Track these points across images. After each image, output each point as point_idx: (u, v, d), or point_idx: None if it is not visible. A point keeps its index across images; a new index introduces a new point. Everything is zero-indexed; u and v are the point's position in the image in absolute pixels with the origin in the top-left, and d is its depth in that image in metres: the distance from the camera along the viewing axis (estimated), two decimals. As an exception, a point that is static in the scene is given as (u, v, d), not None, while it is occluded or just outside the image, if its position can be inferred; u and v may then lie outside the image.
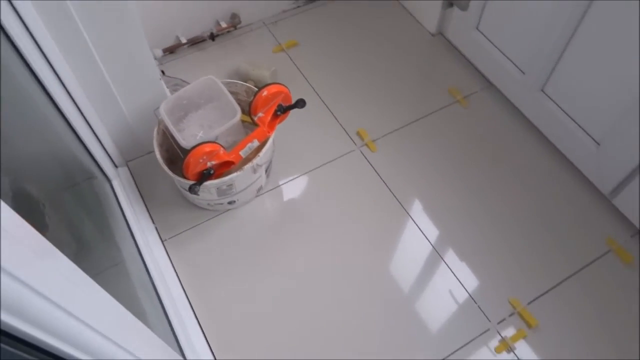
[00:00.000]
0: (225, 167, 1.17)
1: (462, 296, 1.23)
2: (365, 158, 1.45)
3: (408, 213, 1.35)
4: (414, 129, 1.51)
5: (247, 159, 1.19)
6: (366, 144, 1.47)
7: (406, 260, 1.28)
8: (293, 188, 1.40)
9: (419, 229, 1.33)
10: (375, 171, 1.42)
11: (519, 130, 1.50)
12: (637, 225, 1.28)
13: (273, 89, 1.16)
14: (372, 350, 1.16)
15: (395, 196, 1.38)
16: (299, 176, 1.42)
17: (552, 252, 1.29)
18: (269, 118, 1.18)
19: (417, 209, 1.36)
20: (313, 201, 1.38)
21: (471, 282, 1.25)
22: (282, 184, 1.40)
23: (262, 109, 1.17)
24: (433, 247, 1.30)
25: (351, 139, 1.49)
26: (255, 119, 1.18)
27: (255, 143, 1.17)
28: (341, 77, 1.62)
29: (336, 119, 1.53)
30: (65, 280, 0.47)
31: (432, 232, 1.32)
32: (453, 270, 1.27)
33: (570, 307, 1.21)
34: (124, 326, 0.60)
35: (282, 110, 1.19)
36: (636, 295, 1.23)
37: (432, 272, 1.27)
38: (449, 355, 1.15)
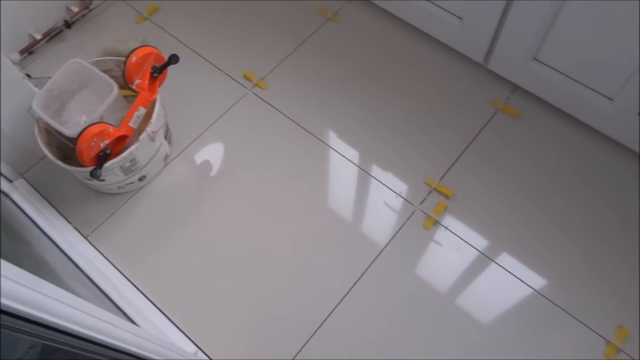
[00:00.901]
0: (120, 143, 1.15)
1: (393, 201, 1.31)
2: (261, 98, 1.47)
3: (318, 138, 1.40)
4: (298, 56, 1.54)
5: (141, 129, 1.18)
6: (256, 84, 1.49)
7: (339, 188, 1.34)
8: (199, 148, 1.40)
9: (338, 152, 1.38)
10: (275, 108, 1.45)
11: (391, 28, 1.56)
12: (514, 81, 1.40)
13: (141, 52, 1.14)
14: (318, 277, 1.23)
15: (300, 125, 1.42)
16: (202, 134, 1.42)
17: (448, 127, 1.39)
18: (147, 82, 1.16)
19: (325, 132, 1.41)
20: (225, 155, 1.39)
21: (395, 183, 1.33)
22: (187, 147, 1.40)
23: (136, 75, 1.15)
24: (358, 166, 1.36)
25: (240, 83, 1.50)
26: (134, 87, 1.16)
27: (142, 110, 1.16)
28: (211, 27, 1.60)
29: (219, 69, 1.52)
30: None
31: (352, 153, 1.38)
32: (382, 182, 1.34)
33: (476, 170, 1.33)
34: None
35: (158, 71, 1.17)
36: (529, 143, 1.36)
37: (378, 198, 1.32)
38: (385, 245, 1.24)
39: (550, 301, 1.16)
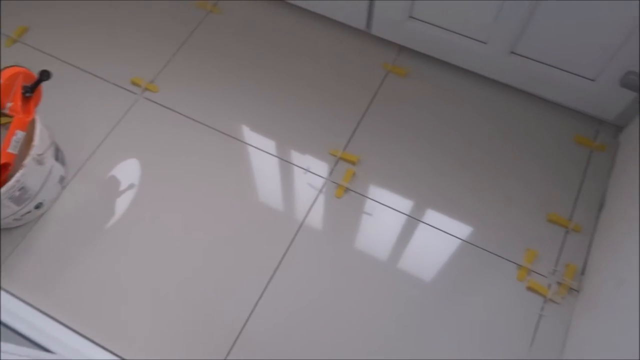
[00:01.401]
0: (4, 173, 1.09)
1: (303, 178, 1.32)
2: (154, 102, 1.43)
3: (220, 131, 1.38)
4: (185, 54, 1.51)
5: (25, 154, 1.12)
6: (146, 89, 1.45)
7: (250, 176, 1.33)
8: (98, 163, 1.35)
9: (242, 142, 1.37)
10: (170, 109, 1.42)
11: (274, 10, 1.57)
12: (397, 41, 1.45)
13: (7, 73, 1.08)
14: (242, 266, 1.22)
15: (198, 121, 1.40)
16: (97, 149, 1.36)
17: (345, 97, 1.42)
18: (19, 104, 1.10)
19: (226, 124, 1.39)
20: (126, 165, 1.35)
21: (302, 160, 1.34)
22: (84, 165, 1.34)
23: (7, 99, 1.09)
24: (277, 157, 1.36)
25: (129, 90, 1.45)
26: (6, 111, 1.09)
27: (20, 134, 1.10)
28: (87, 38, 1.53)
29: (104, 79, 1.47)
30: None
31: (256, 139, 1.38)
32: (290, 161, 1.34)
33: (377, 133, 1.37)
34: None
35: (30, 90, 1.11)
36: (422, 97, 1.42)
37: (289, 178, 1.33)
38: (303, 220, 1.25)
39: (467, 242, 1.23)
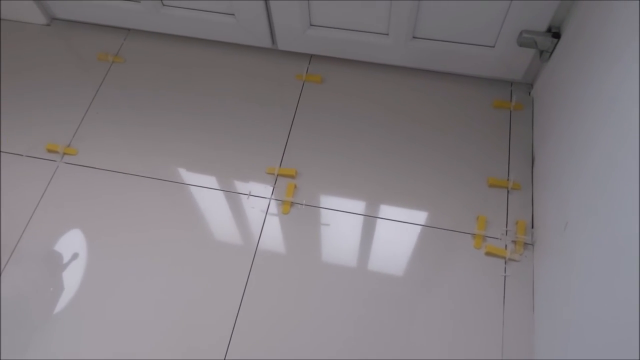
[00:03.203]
0: None
1: (247, 203, 1.30)
2: (76, 165, 1.37)
3: (152, 177, 1.34)
4: (97, 110, 1.46)
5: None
6: (65, 153, 1.39)
7: (190, 214, 1.29)
8: (31, 242, 1.27)
9: (176, 182, 1.34)
10: (95, 167, 1.36)
11: (179, 48, 1.56)
12: (305, 51, 1.47)
13: None
14: (204, 310, 1.18)
15: (127, 173, 1.35)
16: (26, 228, 1.28)
17: (267, 116, 1.43)
18: None
19: (157, 169, 1.35)
20: (66, 237, 1.28)
21: (242, 187, 1.32)
22: (16, 247, 1.26)
23: None
24: (216, 189, 1.33)
25: (47, 159, 1.38)
26: None
27: None
28: (-7, 117, 1.46)
29: (17, 154, 1.39)
30: None
31: (190, 177, 1.34)
32: (231, 190, 1.32)
33: (309, 144, 1.37)
34: None
35: None
36: (342, 98, 1.44)
37: (233, 207, 1.30)
38: (257, 246, 1.23)
39: (420, 225, 1.24)
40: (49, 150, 1.39)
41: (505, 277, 1.17)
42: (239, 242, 1.24)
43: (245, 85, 1.48)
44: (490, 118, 1.40)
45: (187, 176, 1.34)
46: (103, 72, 1.53)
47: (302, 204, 1.28)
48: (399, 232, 1.24)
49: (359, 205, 1.28)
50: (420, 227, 1.24)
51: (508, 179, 1.29)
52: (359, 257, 1.22)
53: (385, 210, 1.27)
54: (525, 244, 1.21)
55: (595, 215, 0.89)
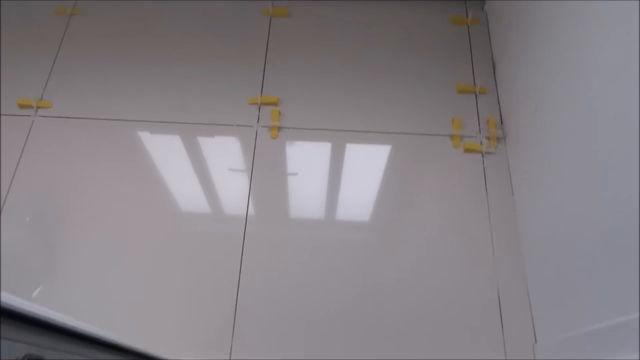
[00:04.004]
0: None
1: (236, 133, 1.33)
2: (52, 117, 1.35)
3: (141, 120, 1.34)
4: (63, 61, 1.43)
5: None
6: (39, 107, 1.35)
7: (198, 153, 1.31)
8: (17, 198, 1.25)
9: (176, 122, 1.34)
10: (74, 117, 1.34)
11: (139, -6, 1.54)
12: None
13: None
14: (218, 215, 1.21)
15: (110, 119, 1.34)
16: (11, 185, 1.26)
17: (240, 53, 1.45)
18: None
19: (140, 111, 1.35)
20: (54, 187, 1.26)
21: (228, 118, 1.35)
22: (3, 208, 1.24)
23: None
24: (207, 124, 1.34)
25: (21, 115, 1.35)
26: None
27: None
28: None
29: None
30: None
31: (184, 116, 1.35)
32: (217, 123, 1.34)
33: (284, 72, 1.42)
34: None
35: None
36: (310, 31, 1.49)
37: (223, 140, 1.32)
38: (251, 173, 1.27)
39: (402, 133, 1.33)
40: (22, 106, 1.35)
41: (484, 168, 1.28)
42: (235, 168, 1.28)
43: (213, 24, 1.49)
44: (450, 34, 1.49)
45: (170, 115, 1.35)
46: (63, 25, 1.49)
47: (288, 128, 1.33)
48: (383, 142, 1.32)
49: (342, 122, 1.34)
50: (401, 135, 1.33)
51: (474, 84, 1.40)
52: (348, 171, 1.29)
53: (366, 124, 1.34)
54: (498, 138, 1.32)
55: (562, 89, 1.00)
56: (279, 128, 1.33)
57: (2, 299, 0.42)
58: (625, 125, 0.79)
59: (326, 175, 1.28)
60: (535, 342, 1.09)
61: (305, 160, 1.30)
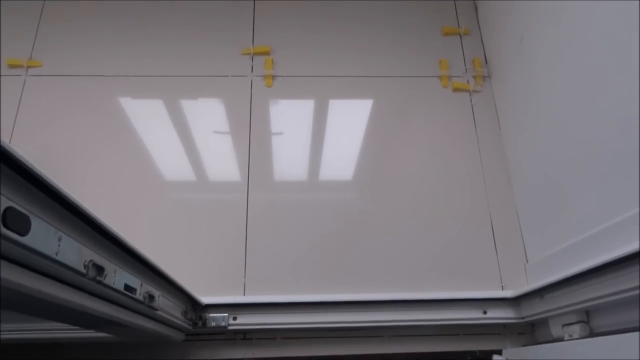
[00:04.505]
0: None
1: (230, 83, 1.35)
2: (44, 75, 1.34)
3: (141, 75, 1.35)
4: (48, 19, 1.41)
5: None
6: (29, 66, 1.35)
7: (193, 104, 1.32)
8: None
9: (172, 76, 1.35)
10: (68, 75, 1.34)
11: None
12: None
13: None
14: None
15: (107, 75, 1.34)
16: (10, 142, 1.26)
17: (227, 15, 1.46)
18: None
19: (139, 66, 1.36)
20: (60, 142, 1.27)
21: (221, 69, 1.37)
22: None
23: None
24: (201, 76, 1.35)
25: (12, 75, 1.34)
26: None
27: None
28: None
29: (-22, 74, 1.33)
30: None
31: (176, 67, 1.36)
32: (209, 74, 1.36)
33: (279, 21, 1.43)
34: None
35: None
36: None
37: (218, 91, 1.34)
38: (250, 122, 1.31)
39: (392, 76, 1.37)
40: (11, 66, 1.34)
41: (472, 106, 1.35)
42: (233, 120, 1.31)
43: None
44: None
45: (163, 68, 1.36)
46: (43, -18, 1.46)
47: (282, 76, 1.36)
48: (375, 85, 1.36)
49: (336, 68, 1.38)
50: (392, 78, 1.37)
51: (459, 26, 1.44)
52: (342, 116, 1.33)
53: (358, 68, 1.38)
54: (484, 76, 1.38)
55: (548, 13, 1.06)
56: (273, 77, 1.36)
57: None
58: (613, 42, 0.85)
59: (323, 119, 1.32)
60: (527, 261, 1.18)
61: (301, 107, 1.33)
